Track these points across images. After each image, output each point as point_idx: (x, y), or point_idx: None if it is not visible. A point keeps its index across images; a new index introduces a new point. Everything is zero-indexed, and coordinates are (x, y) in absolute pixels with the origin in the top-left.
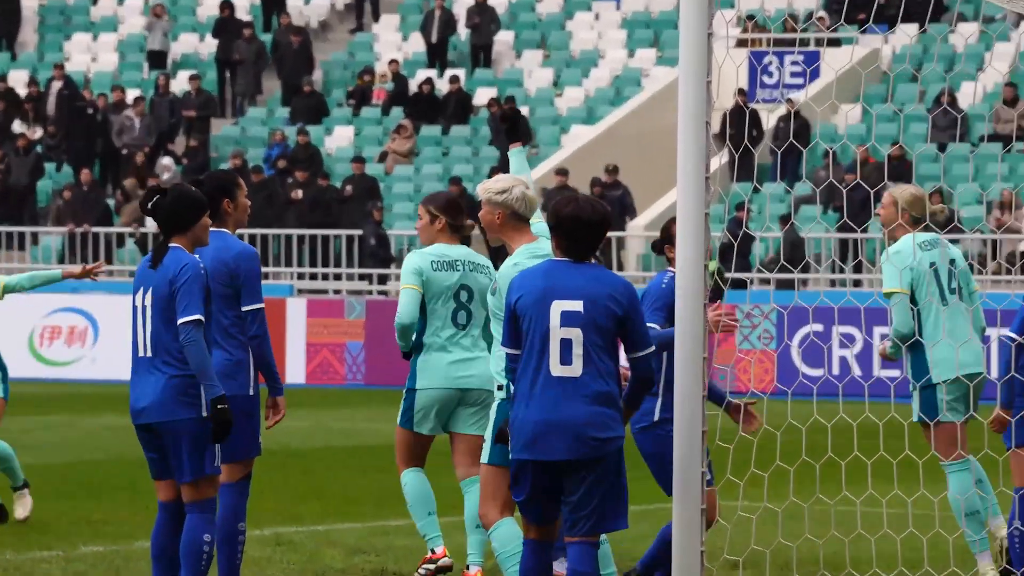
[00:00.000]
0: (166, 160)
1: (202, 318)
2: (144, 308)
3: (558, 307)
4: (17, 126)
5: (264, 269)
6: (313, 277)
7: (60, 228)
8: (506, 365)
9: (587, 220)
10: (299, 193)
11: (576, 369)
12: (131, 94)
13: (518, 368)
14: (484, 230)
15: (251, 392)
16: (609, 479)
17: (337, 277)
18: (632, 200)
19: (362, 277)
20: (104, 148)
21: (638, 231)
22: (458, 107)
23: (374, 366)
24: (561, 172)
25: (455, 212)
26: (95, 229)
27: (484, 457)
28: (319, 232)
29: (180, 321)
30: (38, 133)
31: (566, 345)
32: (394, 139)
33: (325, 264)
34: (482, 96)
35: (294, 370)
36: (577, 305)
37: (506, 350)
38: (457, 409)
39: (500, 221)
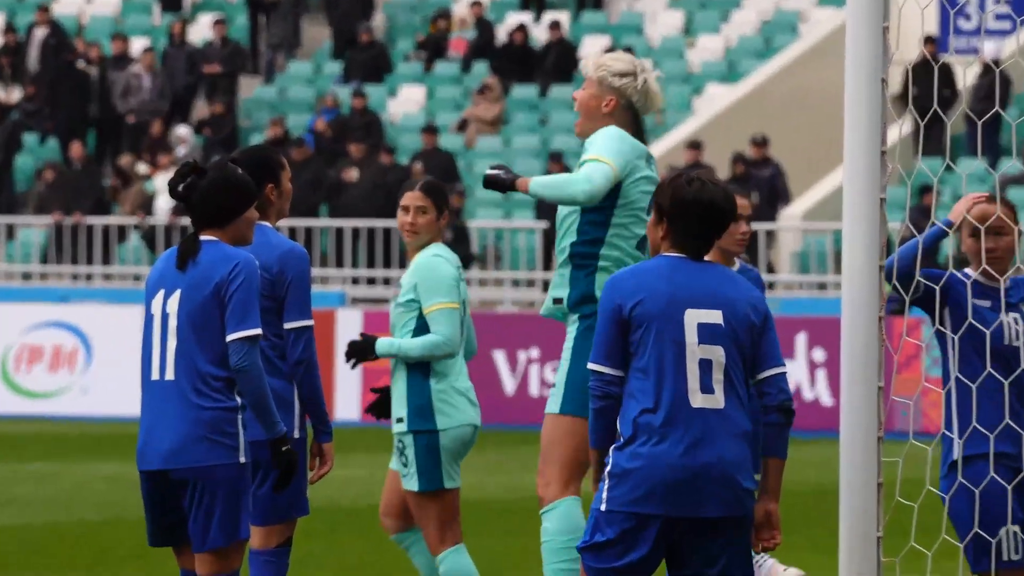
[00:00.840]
0: (182, 130)
1: (261, 332)
2: (166, 317)
3: (694, 317)
4: None
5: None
6: (371, 282)
7: (43, 218)
8: (596, 388)
9: (720, 206)
10: (354, 174)
11: (719, 399)
12: (137, 44)
13: (626, 396)
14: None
15: (296, 434)
16: (746, 546)
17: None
18: (785, 182)
19: None
20: (101, 114)
21: (793, 221)
22: (560, 61)
23: None
24: (693, 145)
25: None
26: (89, 220)
27: (555, 406)
28: (379, 224)
29: (234, 337)
30: (15, 95)
31: (705, 367)
32: (477, 103)
33: (387, 265)
34: (591, 47)
35: (345, 404)
36: (716, 316)
37: (602, 369)
38: None
39: (609, 110)
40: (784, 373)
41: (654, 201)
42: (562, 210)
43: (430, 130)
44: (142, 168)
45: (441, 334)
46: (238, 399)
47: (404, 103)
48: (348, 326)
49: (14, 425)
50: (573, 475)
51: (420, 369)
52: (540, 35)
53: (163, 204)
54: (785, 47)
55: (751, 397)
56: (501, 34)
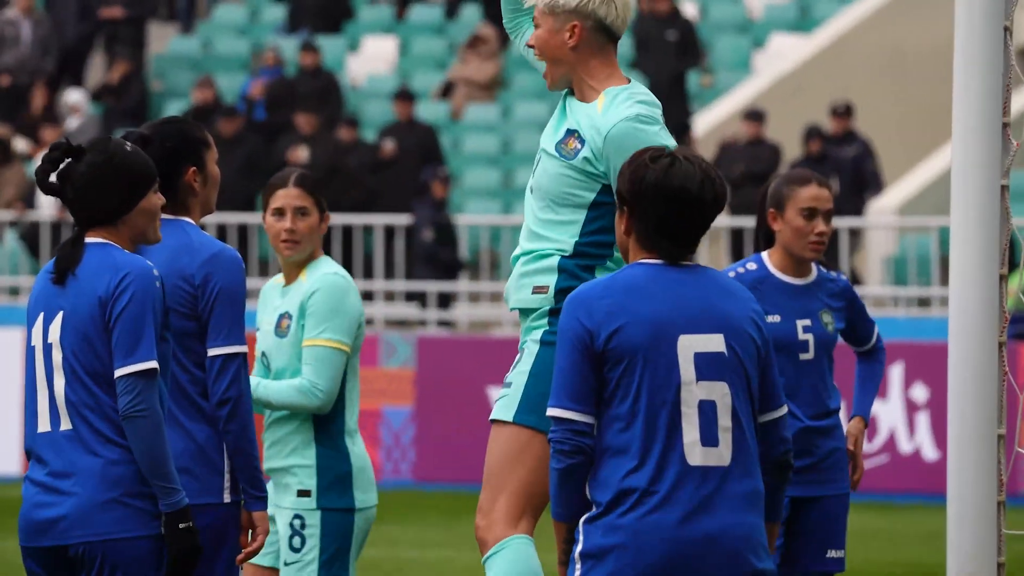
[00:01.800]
0: (75, 96)
1: (157, 365)
2: (48, 348)
3: (689, 346)
4: None
5: (247, 283)
6: None
7: None
8: (564, 442)
9: (692, 192)
10: (302, 153)
11: (724, 453)
12: None
13: (602, 452)
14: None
15: (226, 498)
16: None
17: (369, 296)
18: (875, 164)
19: (411, 297)
20: None
21: (886, 215)
22: None
23: (429, 449)
24: (753, 116)
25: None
26: None
27: (507, 412)
28: (338, 220)
29: (121, 373)
30: None
31: (707, 412)
32: (466, 59)
33: (351, 274)
34: None
35: None
36: (717, 341)
37: (570, 416)
38: None
39: (575, 41)
40: (785, 416)
41: (615, 187)
42: (548, 193)
43: (404, 96)
44: (21, 146)
45: (319, 379)
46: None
47: (369, 60)
48: None
49: None
50: (525, 509)
51: (334, 422)
52: None
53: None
54: None
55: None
56: None
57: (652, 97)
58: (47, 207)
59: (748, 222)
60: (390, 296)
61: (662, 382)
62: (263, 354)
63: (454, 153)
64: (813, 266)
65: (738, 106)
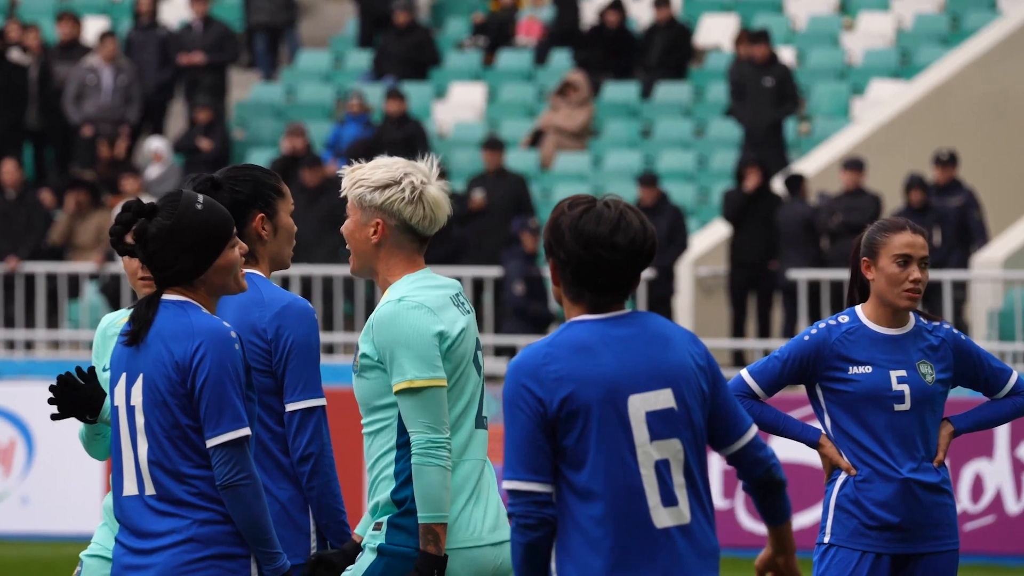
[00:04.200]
0: (156, 143)
1: (249, 432)
2: (132, 411)
3: (640, 405)
4: None
5: (326, 337)
6: None
7: None
8: (528, 516)
9: (605, 239)
10: None
11: (683, 511)
12: (92, 26)
13: (565, 526)
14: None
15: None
16: None
17: None
18: (981, 215)
19: (501, 352)
20: (44, 124)
21: (992, 270)
22: (669, 50)
23: None
24: (853, 165)
25: None
26: (28, 267)
27: None
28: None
29: (214, 443)
30: None
31: (663, 471)
32: (557, 106)
33: None
34: (711, 30)
35: None
36: (666, 396)
37: (532, 488)
38: None
39: (378, 238)
40: (753, 438)
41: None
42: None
43: (492, 145)
44: (102, 197)
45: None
46: None
47: (456, 108)
48: None
49: None
50: None
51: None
52: (642, 14)
53: None
54: (979, 30)
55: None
56: (588, 13)
57: (442, 282)
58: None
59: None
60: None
61: (619, 445)
62: None
63: (544, 203)
64: (911, 316)
65: (835, 155)
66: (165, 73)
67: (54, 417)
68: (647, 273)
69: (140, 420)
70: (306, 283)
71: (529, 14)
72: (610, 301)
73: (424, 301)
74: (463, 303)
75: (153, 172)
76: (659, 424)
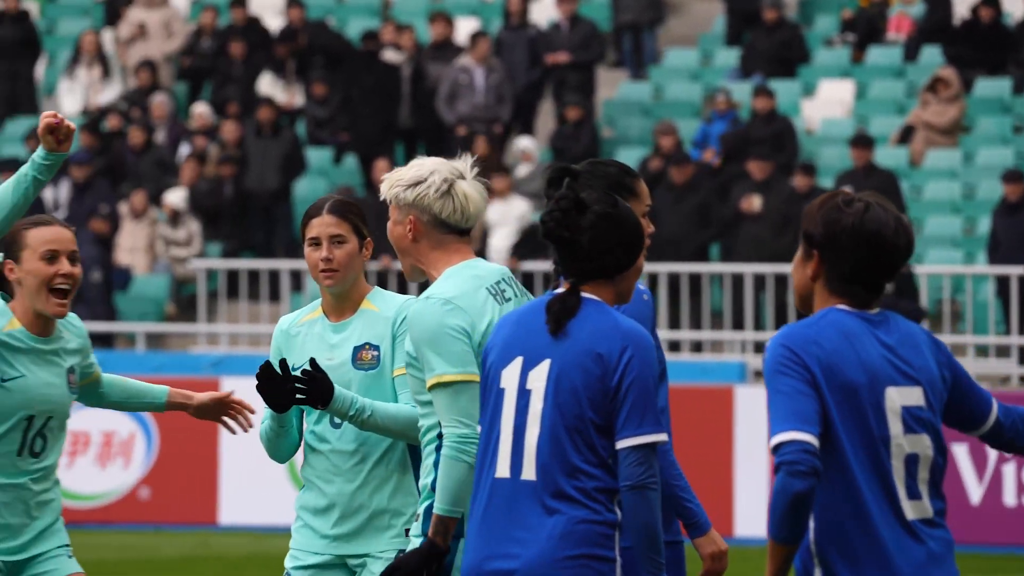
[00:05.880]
0: (524, 142)
1: (666, 438)
2: (526, 395)
3: (897, 398)
4: (266, 85)
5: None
6: None
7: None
8: (802, 463)
9: (892, 241)
10: (756, 202)
11: (927, 506)
12: (464, 27)
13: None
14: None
15: None
16: None
17: None
18: None
19: None
20: (415, 123)
21: None
22: None
23: None
24: None
25: None
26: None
27: None
28: (785, 271)
29: (636, 443)
30: (298, 97)
31: (911, 465)
32: (927, 103)
33: None
34: None
35: (747, 520)
36: (918, 394)
37: (805, 438)
38: None
39: (413, 235)
40: (999, 403)
41: (802, 229)
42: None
43: (861, 141)
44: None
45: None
46: (618, 513)
47: (825, 105)
48: (749, 409)
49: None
50: None
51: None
52: (1016, 9)
53: (498, 243)
54: None
55: None
56: (960, 8)
57: (488, 269)
58: (497, 256)
59: None
60: None
61: (870, 432)
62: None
63: (914, 200)
64: None
65: None
66: (534, 73)
67: (276, 407)
68: None
69: (536, 406)
70: (673, 280)
71: (899, 10)
72: (875, 297)
73: (452, 297)
74: (504, 291)
75: (522, 171)
76: (912, 419)
